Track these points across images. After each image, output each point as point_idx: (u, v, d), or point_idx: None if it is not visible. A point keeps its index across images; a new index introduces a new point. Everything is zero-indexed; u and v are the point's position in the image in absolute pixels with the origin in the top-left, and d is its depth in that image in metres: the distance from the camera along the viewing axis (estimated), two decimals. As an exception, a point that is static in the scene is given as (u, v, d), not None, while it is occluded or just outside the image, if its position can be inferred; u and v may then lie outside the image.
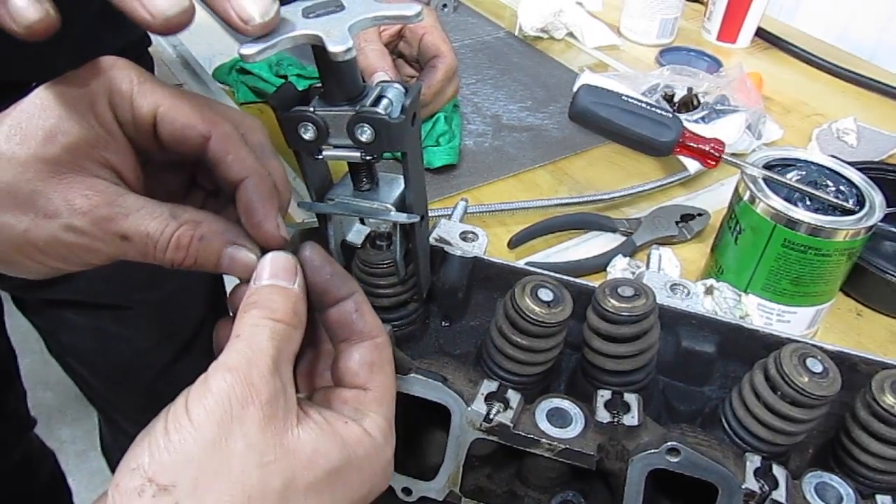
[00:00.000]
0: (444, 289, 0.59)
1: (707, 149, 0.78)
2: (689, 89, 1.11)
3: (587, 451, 0.49)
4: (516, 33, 1.37)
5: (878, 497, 0.48)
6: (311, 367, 0.50)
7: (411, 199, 0.50)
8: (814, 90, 1.28)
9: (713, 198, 0.99)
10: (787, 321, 0.77)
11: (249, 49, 0.40)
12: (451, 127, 1.01)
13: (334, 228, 0.54)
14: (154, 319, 1.10)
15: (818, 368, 0.47)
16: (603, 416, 0.50)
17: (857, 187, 0.73)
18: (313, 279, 0.45)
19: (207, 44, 1.25)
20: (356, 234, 0.57)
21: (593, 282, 0.56)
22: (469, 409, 0.51)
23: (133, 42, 0.92)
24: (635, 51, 1.37)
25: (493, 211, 0.93)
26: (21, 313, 1.13)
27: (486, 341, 0.55)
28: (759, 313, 0.77)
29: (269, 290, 0.43)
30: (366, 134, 0.45)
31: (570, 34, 1.37)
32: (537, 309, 0.50)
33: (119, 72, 0.44)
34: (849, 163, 0.76)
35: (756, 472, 0.48)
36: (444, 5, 1.44)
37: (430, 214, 0.55)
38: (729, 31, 1.38)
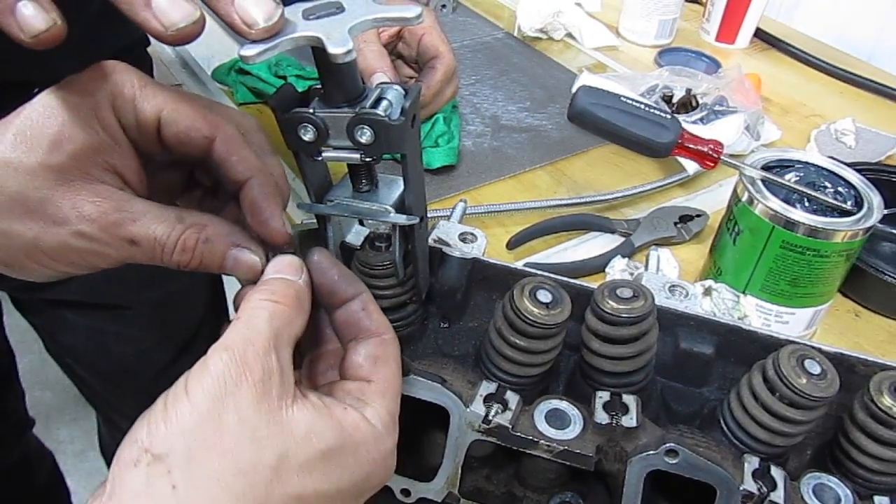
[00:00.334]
0: (443, 290, 0.59)
1: (705, 150, 0.79)
2: (688, 90, 1.11)
3: (585, 453, 0.49)
4: (515, 34, 1.37)
5: (876, 498, 0.49)
6: (317, 368, 0.50)
7: (410, 200, 0.50)
8: (812, 91, 1.28)
9: (712, 199, 1.00)
10: (786, 322, 0.77)
11: (250, 50, 0.40)
12: (450, 128, 1.01)
13: (333, 229, 0.54)
14: (153, 319, 1.10)
15: (816, 370, 0.48)
16: (601, 417, 0.50)
17: (855, 188, 0.73)
18: (321, 281, 0.47)
19: (206, 44, 1.24)
20: (355, 235, 0.57)
21: (592, 283, 0.56)
22: (468, 410, 0.51)
23: (132, 42, 0.92)
24: (634, 51, 1.37)
25: (491, 212, 0.93)
26: (20, 313, 1.13)
27: (485, 342, 0.55)
28: (757, 314, 0.77)
29: (273, 279, 0.45)
30: (365, 135, 0.45)
31: (569, 35, 1.37)
32: (536, 310, 0.50)
33: (121, 76, 0.45)
34: (847, 164, 0.76)
35: (754, 474, 0.48)
36: (443, 6, 1.44)
37: (429, 215, 0.55)
38: (727, 31, 1.38)
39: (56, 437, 2.12)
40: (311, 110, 0.45)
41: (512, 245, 0.89)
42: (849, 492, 0.48)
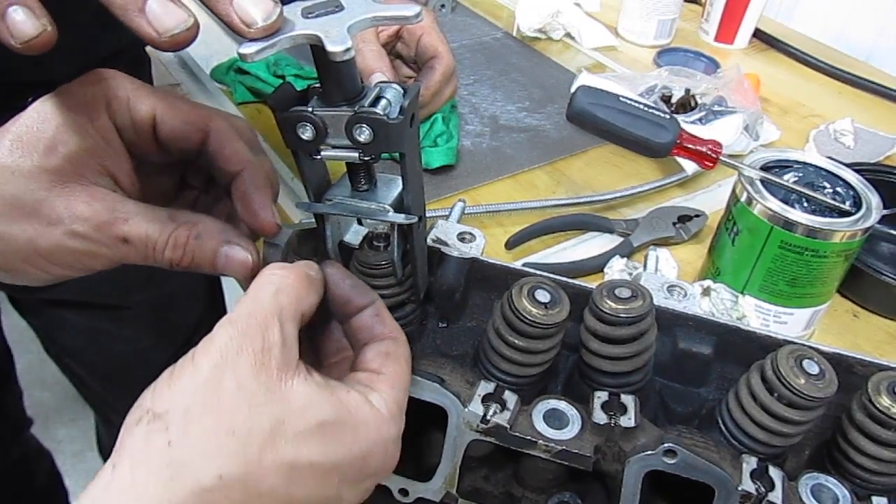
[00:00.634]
0: (442, 290, 0.59)
1: (704, 150, 0.79)
2: (687, 90, 1.11)
3: (584, 453, 0.49)
4: (514, 34, 1.37)
5: (874, 499, 0.49)
6: (331, 376, 0.50)
7: (409, 199, 0.50)
8: (811, 91, 1.28)
9: (710, 199, 1.00)
10: (784, 322, 0.77)
11: (248, 48, 0.40)
12: (449, 127, 1.01)
13: (332, 229, 0.54)
14: (151, 320, 1.10)
15: (814, 370, 0.48)
16: (600, 417, 0.50)
17: (853, 189, 0.73)
18: (335, 291, 0.47)
19: (205, 43, 1.24)
20: (354, 234, 0.57)
21: (590, 283, 0.56)
22: (466, 410, 0.51)
23: (129, 43, 0.92)
24: (633, 52, 1.37)
25: (490, 212, 0.93)
26: (18, 313, 1.13)
27: (484, 342, 0.55)
28: (755, 315, 0.77)
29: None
30: (364, 134, 0.45)
31: (568, 35, 1.37)
32: (534, 310, 0.50)
33: (115, 80, 0.47)
34: (846, 164, 0.76)
35: (752, 474, 0.48)
36: (442, 6, 1.44)
37: (427, 215, 0.55)
38: (726, 32, 1.38)
39: (54, 437, 2.12)
40: (309, 109, 0.45)
41: (511, 245, 0.89)
42: (847, 492, 0.48)
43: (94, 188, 0.45)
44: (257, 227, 0.49)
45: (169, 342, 1.12)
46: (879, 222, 0.71)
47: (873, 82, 1.27)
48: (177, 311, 1.13)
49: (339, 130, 0.46)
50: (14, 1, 0.36)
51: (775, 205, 0.71)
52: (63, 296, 1.03)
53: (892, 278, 0.81)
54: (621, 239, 0.91)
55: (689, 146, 0.79)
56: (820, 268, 0.72)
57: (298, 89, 0.48)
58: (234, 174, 0.49)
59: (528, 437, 0.50)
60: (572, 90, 0.82)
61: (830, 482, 0.49)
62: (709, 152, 0.78)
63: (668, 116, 0.79)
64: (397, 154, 0.47)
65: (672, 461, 0.48)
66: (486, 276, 0.60)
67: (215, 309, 1.21)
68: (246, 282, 0.47)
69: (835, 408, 0.53)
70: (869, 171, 0.88)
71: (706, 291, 0.73)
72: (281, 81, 0.48)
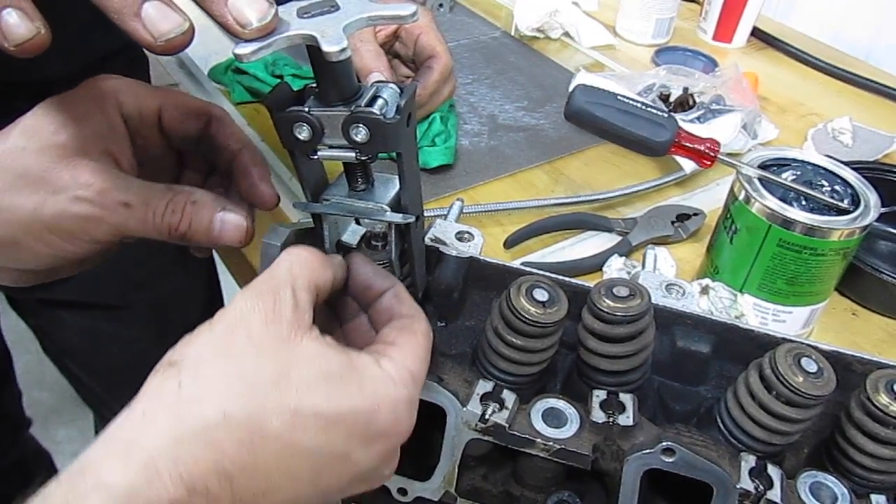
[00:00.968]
0: (440, 289, 0.59)
1: (702, 149, 0.78)
2: (685, 89, 1.11)
3: (582, 452, 0.49)
4: (512, 33, 1.37)
5: (873, 496, 0.49)
6: None
7: (406, 199, 0.50)
8: (809, 90, 1.28)
9: (709, 197, 0.99)
10: (783, 321, 0.77)
11: (244, 49, 0.40)
12: (447, 127, 1.01)
13: (330, 229, 0.54)
14: (149, 320, 1.10)
15: (813, 368, 0.48)
16: (598, 416, 0.50)
17: (852, 187, 0.73)
18: (357, 278, 0.49)
19: (203, 43, 1.24)
20: (352, 234, 0.57)
21: (589, 282, 0.56)
22: (464, 409, 0.51)
23: (127, 43, 0.92)
24: (631, 51, 1.37)
25: (489, 211, 0.93)
26: (16, 314, 1.13)
27: (482, 341, 0.55)
28: (754, 313, 0.77)
29: None
30: (361, 134, 0.45)
31: (566, 34, 1.37)
32: (532, 309, 0.50)
33: (123, 79, 0.51)
34: (844, 162, 0.76)
35: (751, 472, 0.48)
36: (440, 5, 1.44)
37: (425, 214, 0.55)
38: (725, 30, 1.38)
39: (53, 438, 2.12)
40: (306, 109, 0.45)
41: (509, 244, 0.89)
42: (846, 490, 0.48)
43: (97, 164, 0.47)
44: (257, 197, 0.51)
45: (168, 343, 1.11)
46: (878, 220, 0.71)
47: (872, 81, 1.27)
48: (176, 311, 1.13)
49: (336, 130, 0.46)
50: (7, 3, 0.36)
51: (773, 203, 0.71)
52: (61, 296, 1.03)
53: (891, 276, 0.81)
54: (620, 238, 0.91)
55: (688, 145, 0.79)
56: (818, 266, 0.72)
57: (295, 89, 0.48)
58: (235, 152, 0.52)
59: (527, 436, 0.50)
60: (570, 89, 0.82)
61: (829, 480, 0.49)
62: (707, 151, 0.78)
63: (666, 115, 0.79)
64: (394, 153, 0.47)
65: (670, 459, 0.48)
66: (484, 275, 0.60)
67: (214, 310, 1.21)
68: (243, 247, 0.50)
69: (833, 406, 0.53)
70: (867, 170, 0.88)
71: (705, 290, 0.73)
72: (279, 81, 0.48)
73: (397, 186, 0.51)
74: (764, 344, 0.54)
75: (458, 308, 0.61)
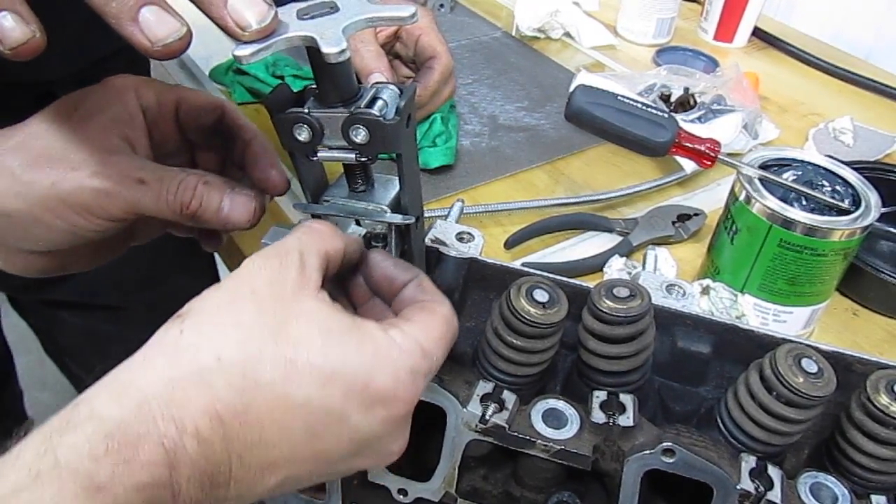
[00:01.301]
0: (440, 290, 0.59)
1: (703, 149, 0.78)
2: (686, 89, 1.11)
3: (582, 452, 0.49)
4: (513, 33, 1.37)
5: (874, 497, 0.49)
6: None
7: (406, 200, 0.50)
8: (810, 90, 1.28)
9: (709, 198, 0.99)
10: (784, 321, 0.77)
11: (244, 50, 0.40)
12: (448, 127, 1.01)
13: (330, 229, 0.54)
14: (151, 321, 1.09)
15: (813, 369, 0.47)
16: (598, 416, 0.50)
17: (853, 187, 0.73)
18: (380, 272, 0.49)
19: (204, 44, 1.24)
20: (352, 235, 0.57)
21: (589, 282, 0.56)
22: (465, 410, 0.51)
23: (128, 43, 0.92)
24: (632, 51, 1.37)
25: (489, 211, 0.93)
26: (18, 314, 1.13)
27: (482, 342, 0.55)
28: (755, 313, 0.77)
29: None
30: (360, 135, 0.45)
31: (567, 34, 1.37)
32: (532, 310, 0.50)
33: (142, 77, 0.53)
34: (845, 162, 0.76)
35: (751, 473, 0.48)
36: (441, 5, 1.44)
37: (426, 215, 0.55)
38: (725, 30, 1.38)
39: (55, 438, 2.11)
40: (305, 110, 0.45)
41: (509, 244, 0.89)
42: (846, 491, 0.48)
43: (115, 146, 0.49)
44: (268, 182, 0.53)
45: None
46: (879, 220, 0.71)
47: (873, 80, 1.27)
48: (174, 311, 1.13)
49: (336, 131, 0.46)
50: (2, 6, 0.36)
51: (774, 203, 0.71)
52: (63, 297, 1.03)
53: (892, 277, 0.81)
54: (620, 238, 0.91)
55: (688, 145, 0.79)
56: (819, 266, 0.72)
57: (296, 90, 0.48)
58: (246, 142, 0.54)
59: (527, 437, 0.50)
60: (571, 89, 0.82)
61: (829, 481, 0.48)
62: (707, 151, 0.78)
63: (666, 115, 0.79)
64: (394, 154, 0.47)
65: (671, 460, 0.48)
66: (484, 275, 0.60)
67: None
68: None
69: (834, 406, 0.53)
70: (868, 170, 0.88)
71: (705, 290, 0.73)
72: (279, 82, 0.48)
73: (397, 187, 0.51)
74: (764, 344, 0.54)
75: (459, 309, 0.61)
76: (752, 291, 0.76)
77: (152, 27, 0.38)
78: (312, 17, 0.42)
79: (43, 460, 0.32)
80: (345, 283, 0.50)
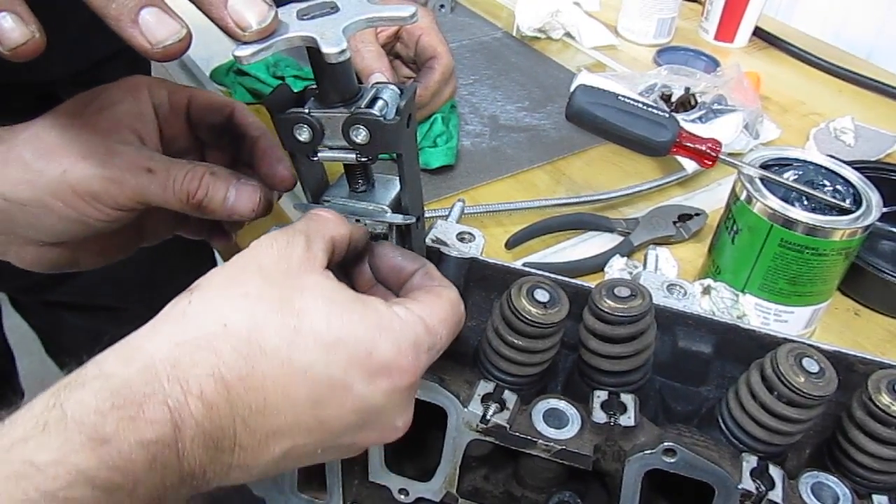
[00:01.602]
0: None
1: (704, 149, 0.78)
2: (687, 89, 1.11)
3: (583, 452, 0.49)
4: (514, 33, 1.37)
5: (875, 497, 0.49)
6: None
7: (407, 200, 0.50)
8: (811, 89, 1.28)
9: (710, 197, 0.99)
10: (785, 321, 0.77)
11: (244, 51, 0.40)
12: (449, 128, 1.01)
13: (330, 230, 0.54)
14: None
15: (814, 368, 0.47)
16: (599, 416, 0.50)
17: (854, 187, 0.73)
18: (387, 263, 0.50)
19: (205, 45, 1.24)
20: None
21: (590, 282, 0.56)
22: (465, 410, 0.51)
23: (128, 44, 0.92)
24: (633, 51, 1.37)
25: (490, 211, 0.93)
26: (20, 315, 1.13)
27: (483, 342, 0.54)
28: (756, 313, 0.77)
29: None
30: (360, 135, 0.45)
31: (568, 34, 1.37)
32: (533, 310, 0.50)
33: (156, 77, 0.55)
34: (846, 162, 0.76)
35: (752, 473, 0.48)
36: (442, 6, 1.44)
37: (426, 215, 0.55)
38: (726, 30, 1.38)
39: (57, 439, 2.11)
40: (306, 110, 0.45)
41: (510, 245, 0.89)
42: (847, 490, 0.48)
43: (125, 139, 0.51)
44: (276, 177, 0.54)
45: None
46: (880, 220, 0.71)
47: (874, 80, 1.27)
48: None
49: (336, 132, 0.46)
50: (2, 7, 0.36)
51: (775, 203, 0.71)
52: (64, 298, 1.03)
53: (893, 276, 0.81)
54: (621, 238, 0.91)
55: (689, 145, 0.79)
56: (820, 266, 0.72)
57: (296, 91, 0.48)
58: (255, 139, 0.56)
59: (528, 437, 0.50)
60: (572, 89, 0.82)
61: (831, 481, 0.48)
62: (708, 151, 0.78)
63: (667, 115, 0.79)
64: (395, 154, 0.47)
65: (672, 460, 0.48)
66: (485, 275, 0.60)
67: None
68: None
69: (835, 406, 0.53)
70: (869, 169, 0.87)
71: (706, 290, 0.73)
72: (280, 83, 0.48)
73: (398, 187, 0.51)
74: (765, 344, 0.54)
75: (460, 309, 0.61)
76: (754, 291, 0.76)
77: (152, 29, 0.38)
78: (312, 18, 0.42)
79: (51, 413, 0.33)
80: (349, 272, 0.51)
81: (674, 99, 1.11)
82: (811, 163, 0.76)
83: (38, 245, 0.53)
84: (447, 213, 0.66)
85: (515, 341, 0.51)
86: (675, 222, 0.92)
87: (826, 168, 0.75)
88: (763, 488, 0.47)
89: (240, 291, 0.40)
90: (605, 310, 0.51)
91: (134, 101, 0.53)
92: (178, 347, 0.37)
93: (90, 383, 0.35)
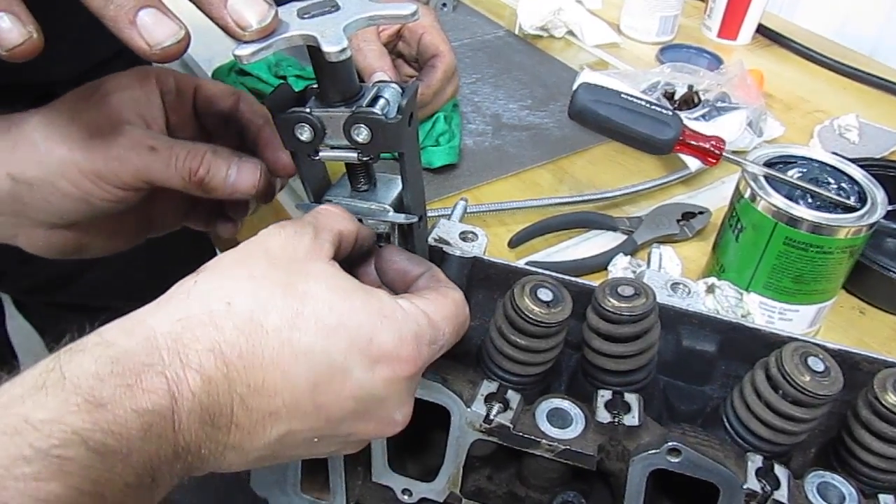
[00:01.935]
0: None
1: (708, 146, 0.78)
2: (690, 87, 1.11)
3: (587, 452, 0.49)
4: (516, 32, 1.37)
5: (881, 496, 0.48)
6: None
7: (409, 199, 0.50)
8: (815, 87, 1.28)
9: (714, 196, 0.99)
10: (789, 319, 0.76)
11: (244, 50, 0.40)
12: (451, 126, 1.01)
13: (332, 229, 0.54)
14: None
15: (820, 367, 0.47)
16: (603, 416, 0.49)
17: (858, 184, 0.73)
18: (393, 266, 0.49)
19: (206, 45, 1.24)
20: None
21: (593, 281, 0.56)
22: (469, 410, 0.50)
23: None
24: (635, 49, 1.36)
25: (493, 210, 0.92)
26: (22, 316, 1.13)
27: (486, 342, 0.54)
28: (760, 312, 0.76)
29: None
30: (362, 134, 0.45)
31: (570, 32, 1.36)
32: (536, 309, 0.50)
33: (163, 67, 0.55)
34: (850, 160, 0.75)
35: (758, 472, 0.47)
36: (444, 4, 1.44)
37: (429, 214, 0.55)
38: (729, 28, 1.37)
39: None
40: (307, 110, 0.45)
41: (513, 244, 0.89)
42: (853, 490, 0.47)
43: (131, 121, 0.52)
44: (279, 163, 0.54)
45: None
46: (885, 218, 0.71)
47: (878, 77, 1.27)
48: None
49: (338, 131, 0.45)
50: (0, 8, 0.36)
51: (779, 201, 0.71)
52: (67, 299, 1.03)
53: (898, 274, 0.80)
54: (625, 237, 0.91)
55: (693, 143, 0.78)
56: (825, 264, 0.72)
57: (297, 90, 0.48)
58: (259, 126, 0.56)
59: (532, 437, 0.49)
60: (574, 88, 0.82)
61: (837, 480, 0.48)
62: (712, 149, 0.78)
63: (670, 113, 0.79)
64: (396, 153, 0.47)
65: (676, 460, 0.48)
66: (488, 275, 0.60)
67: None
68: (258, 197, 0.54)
69: (840, 405, 0.52)
70: (874, 167, 0.87)
71: (710, 289, 0.73)
72: (281, 82, 0.48)
73: (400, 186, 0.51)
74: (770, 343, 0.53)
75: (462, 308, 0.60)
76: (758, 290, 0.76)
77: (150, 30, 0.38)
78: (313, 16, 0.41)
79: (50, 374, 0.34)
80: (354, 273, 0.51)
81: (677, 97, 1.10)
82: (816, 160, 0.75)
83: (46, 228, 0.54)
84: (450, 212, 0.66)
85: (519, 341, 0.51)
86: (678, 221, 0.92)
87: (831, 166, 0.75)
88: (768, 488, 0.46)
89: (246, 273, 0.40)
90: (609, 309, 0.50)
91: (141, 88, 0.53)
92: (180, 323, 0.37)
93: (91, 350, 0.35)
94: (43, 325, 1.14)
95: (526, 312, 0.50)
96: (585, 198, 0.95)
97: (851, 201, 0.71)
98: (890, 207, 0.72)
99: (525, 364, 0.52)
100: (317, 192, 0.52)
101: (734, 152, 0.79)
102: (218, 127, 0.59)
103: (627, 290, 0.51)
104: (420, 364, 0.43)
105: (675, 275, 0.60)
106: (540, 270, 0.56)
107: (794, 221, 0.70)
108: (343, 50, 0.40)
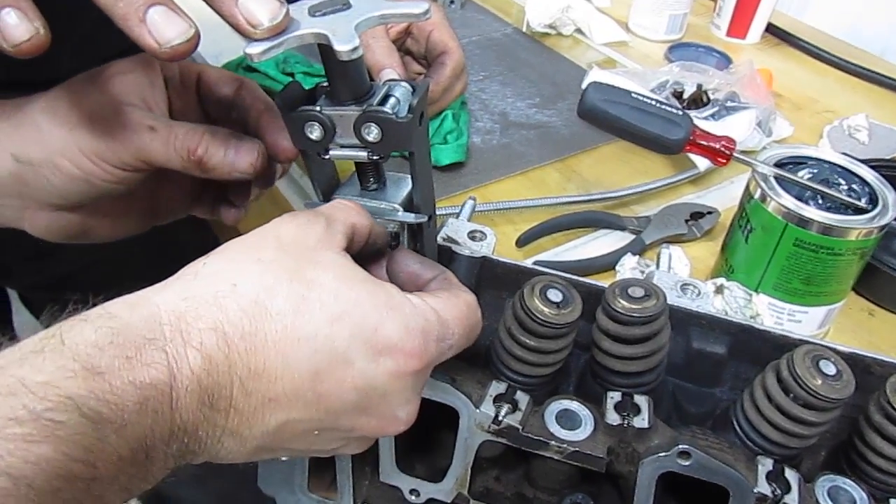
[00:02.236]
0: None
1: (718, 146, 0.78)
2: (699, 86, 1.10)
3: (596, 454, 0.48)
4: (524, 29, 1.36)
5: (893, 501, 0.48)
6: None
7: (419, 198, 0.50)
8: (825, 87, 1.27)
9: (723, 196, 0.99)
10: (799, 321, 0.76)
11: (255, 49, 0.40)
12: (459, 124, 1.01)
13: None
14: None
15: (831, 371, 0.47)
16: (613, 418, 0.49)
17: (869, 185, 0.72)
18: (406, 269, 0.49)
19: (214, 42, 1.24)
20: None
21: (603, 282, 0.56)
22: (477, 410, 0.50)
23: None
24: (644, 47, 1.36)
25: (501, 209, 0.92)
26: (28, 312, 1.13)
27: (495, 342, 0.54)
28: (769, 313, 0.76)
29: None
30: (373, 133, 0.44)
31: (578, 30, 1.36)
32: (546, 310, 0.50)
33: None
34: (861, 160, 0.75)
35: (768, 476, 0.47)
36: (452, 1, 1.43)
37: (437, 213, 0.54)
38: (739, 26, 1.37)
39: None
40: (317, 108, 0.45)
41: (521, 243, 0.88)
42: (864, 494, 0.47)
43: (132, 103, 0.52)
44: (279, 148, 0.54)
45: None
46: (896, 219, 0.70)
47: (888, 77, 1.26)
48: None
49: (348, 130, 0.45)
50: (6, 3, 0.36)
51: (789, 202, 0.70)
52: (73, 295, 1.03)
53: (909, 276, 0.80)
54: (633, 236, 0.90)
55: (702, 142, 0.78)
56: (835, 266, 0.71)
57: (307, 88, 0.48)
58: (261, 112, 0.55)
59: (541, 438, 0.49)
60: (583, 86, 0.81)
61: (847, 484, 0.48)
62: (722, 149, 0.78)
63: (680, 112, 0.78)
64: (406, 152, 0.46)
65: (686, 462, 0.47)
66: (497, 275, 0.59)
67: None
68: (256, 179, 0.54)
69: (851, 409, 0.52)
70: (884, 168, 0.86)
71: (719, 290, 0.72)
72: (290, 79, 0.48)
73: (409, 185, 0.50)
74: (780, 345, 0.53)
75: (471, 308, 0.60)
76: (767, 291, 0.75)
77: (160, 28, 0.38)
78: (324, 14, 0.41)
79: (50, 340, 0.34)
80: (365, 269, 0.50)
81: (686, 96, 1.10)
82: (826, 161, 0.75)
83: (49, 210, 0.54)
84: (458, 210, 0.66)
85: (528, 342, 0.51)
86: (687, 220, 0.91)
87: (841, 167, 0.74)
88: (779, 492, 0.46)
89: (254, 257, 0.40)
90: (620, 310, 0.50)
91: (144, 72, 0.53)
92: (184, 301, 0.37)
93: (94, 320, 0.35)
94: (49, 321, 1.14)
95: (535, 313, 0.50)
96: (593, 197, 0.95)
97: (862, 203, 0.70)
98: (901, 209, 0.72)
99: (534, 365, 0.52)
100: (326, 191, 0.52)
101: (743, 152, 0.78)
102: (221, 113, 0.59)
103: (638, 292, 0.51)
104: (426, 360, 0.42)
105: (683, 275, 0.60)
106: (549, 271, 0.56)
107: (804, 223, 0.69)
108: (355, 49, 0.39)
